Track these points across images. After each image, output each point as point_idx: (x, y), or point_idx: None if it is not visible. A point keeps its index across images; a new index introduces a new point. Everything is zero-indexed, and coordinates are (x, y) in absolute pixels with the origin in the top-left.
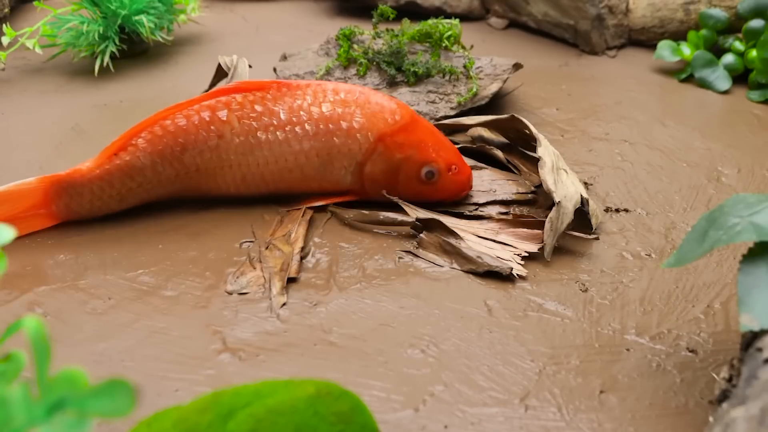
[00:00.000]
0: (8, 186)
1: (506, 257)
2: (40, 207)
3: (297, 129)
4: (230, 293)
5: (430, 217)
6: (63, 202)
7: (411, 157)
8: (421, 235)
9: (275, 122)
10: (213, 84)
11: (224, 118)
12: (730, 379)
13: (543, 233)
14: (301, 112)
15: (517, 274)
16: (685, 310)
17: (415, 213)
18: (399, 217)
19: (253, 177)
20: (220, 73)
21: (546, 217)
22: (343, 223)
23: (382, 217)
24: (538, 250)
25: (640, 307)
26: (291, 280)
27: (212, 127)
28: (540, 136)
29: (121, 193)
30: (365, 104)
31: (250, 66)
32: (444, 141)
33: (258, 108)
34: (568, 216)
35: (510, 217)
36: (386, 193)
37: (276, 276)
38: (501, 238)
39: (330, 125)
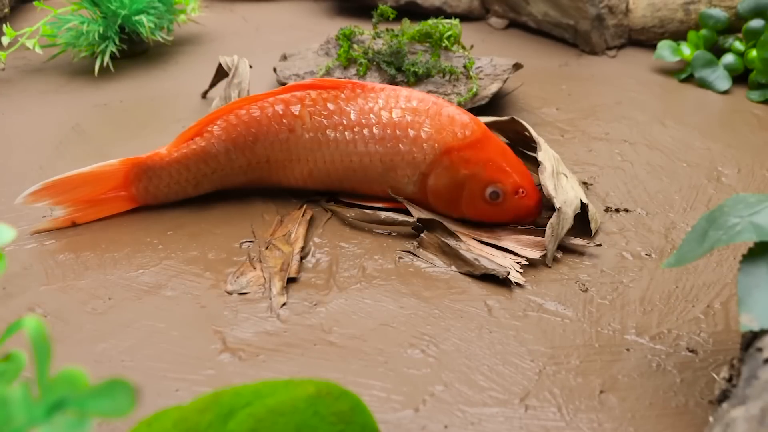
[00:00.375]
0: (92, 167)
1: (506, 264)
2: (121, 189)
3: (365, 131)
4: (230, 293)
5: (431, 218)
6: (142, 185)
7: (476, 174)
8: (422, 235)
9: (345, 122)
10: (213, 84)
11: (296, 113)
12: (730, 379)
13: (544, 239)
14: (371, 115)
15: (515, 282)
16: (685, 310)
17: (417, 213)
18: (400, 217)
19: (320, 173)
20: (221, 73)
21: (546, 220)
22: (344, 223)
23: (383, 216)
24: (540, 257)
25: (640, 307)
26: (291, 280)
27: (284, 121)
28: (540, 140)
29: (197, 178)
30: (436, 115)
31: (250, 66)
32: (514, 162)
33: (330, 106)
34: (568, 221)
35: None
36: (391, 192)
37: (276, 276)
38: (503, 243)
39: (397, 131)
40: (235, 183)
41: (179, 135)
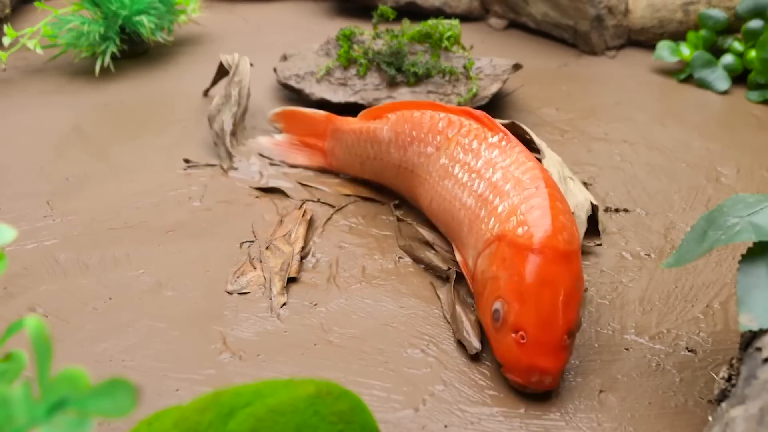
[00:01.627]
0: (309, 110)
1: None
2: (322, 138)
3: (475, 180)
4: (230, 293)
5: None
6: (330, 143)
7: (497, 279)
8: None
9: (471, 164)
10: (215, 82)
11: (450, 136)
12: (729, 379)
13: None
14: (489, 169)
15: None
16: (684, 309)
17: (453, 264)
18: (436, 261)
19: (437, 205)
20: (222, 72)
21: None
22: (398, 243)
23: (423, 256)
24: None
25: (639, 306)
26: (291, 280)
27: (438, 137)
28: (543, 146)
29: (362, 158)
30: (529, 208)
31: (251, 65)
32: (553, 305)
33: (474, 145)
34: (582, 225)
35: None
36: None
37: (276, 276)
38: None
39: (489, 195)
40: (389, 181)
41: (366, 111)
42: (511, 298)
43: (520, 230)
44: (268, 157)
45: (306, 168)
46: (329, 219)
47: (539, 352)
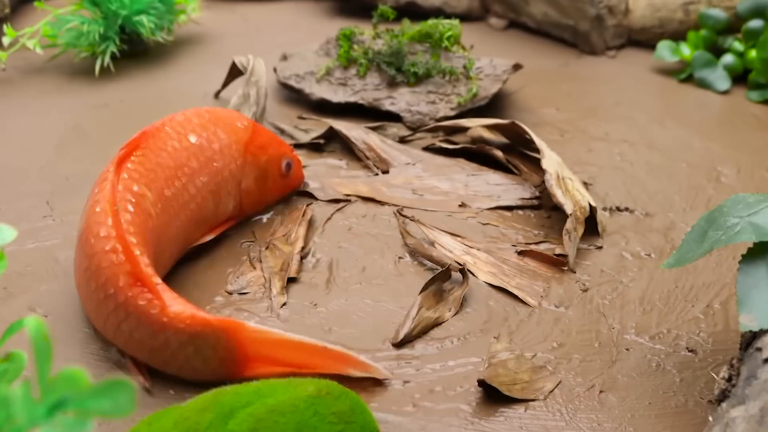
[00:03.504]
0: None
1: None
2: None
3: (186, 170)
4: (230, 293)
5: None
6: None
7: (272, 155)
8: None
9: (168, 172)
10: (226, 83)
11: (141, 192)
12: (729, 379)
13: (564, 245)
14: (183, 152)
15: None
16: (684, 309)
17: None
18: (446, 259)
19: (172, 244)
20: (234, 73)
21: (546, 216)
22: (403, 242)
23: (435, 254)
24: (543, 291)
25: (639, 306)
26: (291, 280)
27: (141, 207)
28: (542, 146)
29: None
30: (218, 120)
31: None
32: (275, 134)
33: (150, 165)
34: (580, 225)
35: (529, 251)
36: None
37: (276, 276)
38: (514, 283)
39: (206, 152)
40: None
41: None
42: (285, 148)
43: (240, 126)
44: None
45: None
46: (329, 219)
47: (299, 161)
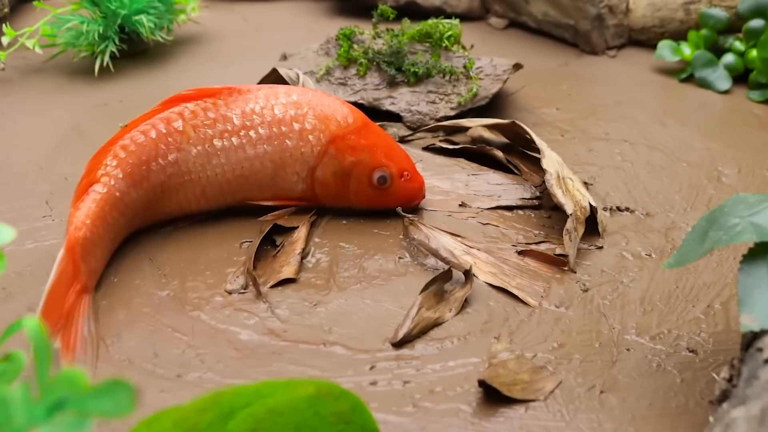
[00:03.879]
0: (52, 276)
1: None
2: (75, 282)
3: (251, 133)
4: (230, 293)
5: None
6: (87, 264)
7: (363, 160)
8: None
9: (229, 128)
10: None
11: (180, 128)
12: (730, 379)
13: (564, 245)
14: (254, 116)
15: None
16: (685, 310)
17: (467, 263)
18: (452, 258)
19: (213, 189)
20: (273, 81)
21: (547, 216)
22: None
23: (443, 254)
24: (566, 268)
25: (640, 307)
26: (291, 281)
27: (170, 140)
28: (543, 146)
29: (114, 230)
30: (318, 105)
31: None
32: (395, 146)
33: (211, 115)
34: (581, 225)
35: (529, 251)
36: (281, 194)
37: (276, 276)
38: (515, 283)
39: (282, 127)
40: (135, 225)
41: (76, 191)
42: (385, 161)
43: (342, 122)
44: None
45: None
46: (329, 219)
47: (417, 173)
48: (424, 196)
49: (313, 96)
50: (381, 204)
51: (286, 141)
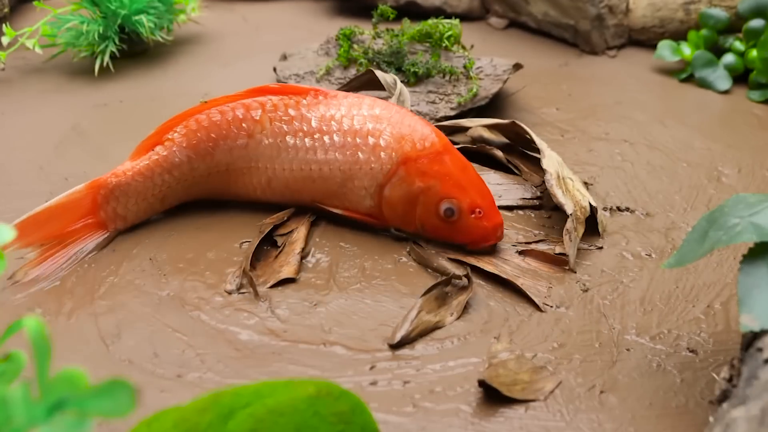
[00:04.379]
0: (58, 198)
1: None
2: (89, 216)
3: (325, 138)
4: (230, 293)
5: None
6: (111, 207)
7: (431, 188)
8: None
9: (305, 128)
10: (351, 86)
11: (257, 118)
12: (730, 379)
13: (564, 245)
14: (333, 122)
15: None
16: (685, 310)
17: (466, 269)
18: (451, 268)
19: (278, 182)
20: (369, 83)
21: (547, 216)
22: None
23: (435, 264)
24: (566, 268)
25: (640, 307)
26: (291, 281)
27: (244, 125)
28: (543, 146)
29: (162, 191)
30: (397, 124)
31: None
32: (474, 179)
33: (291, 112)
34: (581, 226)
35: (530, 251)
36: (350, 207)
37: (276, 276)
38: (519, 282)
39: (357, 139)
40: (196, 194)
41: (138, 145)
42: (455, 192)
43: (419, 144)
44: None
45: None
46: (329, 219)
47: (494, 212)
48: (499, 238)
49: (397, 113)
50: (448, 237)
51: (359, 153)
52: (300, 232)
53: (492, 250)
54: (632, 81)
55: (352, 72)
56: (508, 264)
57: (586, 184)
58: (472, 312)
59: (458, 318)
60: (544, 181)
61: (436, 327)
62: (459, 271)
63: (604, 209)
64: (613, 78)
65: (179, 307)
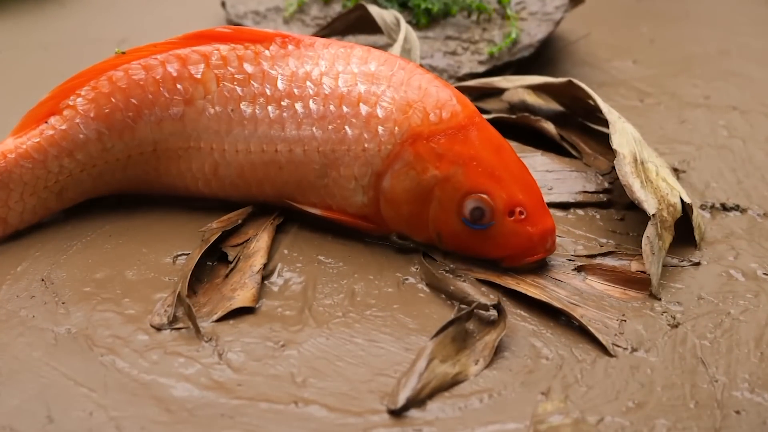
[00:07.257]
0: None
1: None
2: None
3: (297, 106)
4: (159, 329)
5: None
6: None
7: (452, 177)
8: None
9: (268, 92)
10: (333, 27)
11: (198, 76)
12: None
13: (644, 260)
14: (308, 83)
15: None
16: None
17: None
18: (474, 294)
19: (229, 169)
20: (353, 20)
21: (619, 218)
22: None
23: (452, 288)
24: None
25: (755, 350)
26: (248, 311)
27: (179, 87)
28: (613, 116)
29: (60, 182)
30: (401, 85)
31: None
32: (517, 167)
33: (248, 68)
34: (669, 231)
35: (593, 267)
36: (335, 207)
37: (225, 304)
38: (578, 314)
39: (344, 107)
40: (109, 186)
41: (25, 116)
42: (486, 185)
43: (433, 115)
44: None
45: None
46: (302, 223)
47: (542, 214)
48: (550, 250)
49: (400, 69)
50: (475, 249)
51: (346, 128)
52: (260, 241)
53: (538, 268)
54: (744, 20)
55: (336, 9)
56: (563, 287)
57: (676, 171)
58: (508, 356)
59: (487, 366)
60: (614, 168)
61: (455, 382)
62: (486, 298)
63: (702, 208)
64: (716, 16)
65: (85, 350)
